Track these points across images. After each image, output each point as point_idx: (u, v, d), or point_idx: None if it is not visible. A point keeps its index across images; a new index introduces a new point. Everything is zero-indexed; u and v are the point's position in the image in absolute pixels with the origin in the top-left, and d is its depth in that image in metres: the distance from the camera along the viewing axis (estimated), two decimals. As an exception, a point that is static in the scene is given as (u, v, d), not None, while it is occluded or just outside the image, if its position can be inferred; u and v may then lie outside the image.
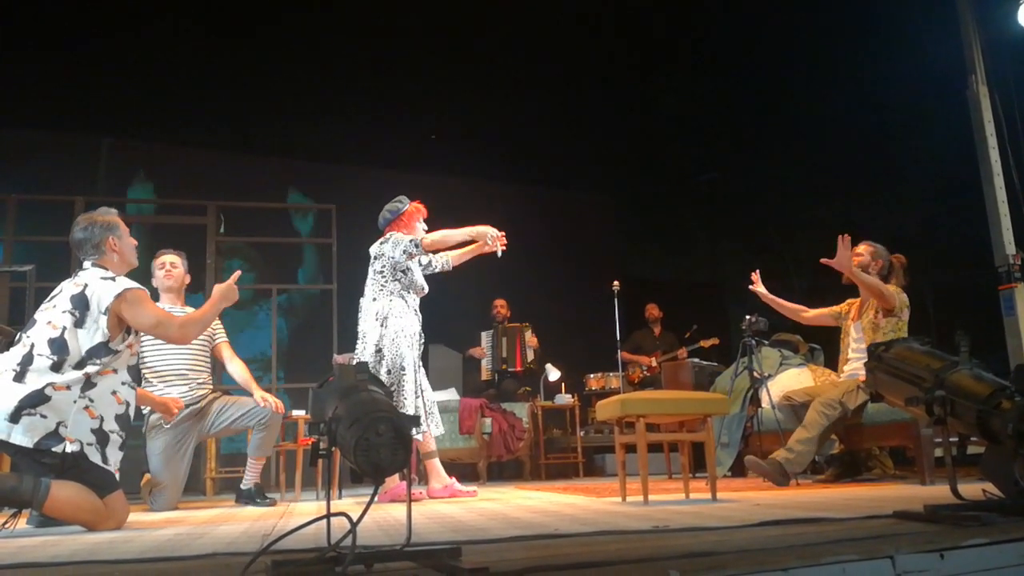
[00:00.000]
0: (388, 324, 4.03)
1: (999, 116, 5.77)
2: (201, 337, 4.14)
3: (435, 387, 4.67)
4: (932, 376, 2.12)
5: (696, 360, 6.19)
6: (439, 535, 2.11)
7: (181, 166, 7.58)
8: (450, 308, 5.98)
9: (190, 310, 4.06)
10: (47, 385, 2.72)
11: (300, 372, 7.26)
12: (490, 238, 4.09)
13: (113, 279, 2.92)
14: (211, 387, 4.28)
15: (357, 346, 4.16)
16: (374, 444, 1.44)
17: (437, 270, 4.41)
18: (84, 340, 2.80)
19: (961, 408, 2.03)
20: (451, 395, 6.37)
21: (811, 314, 4.55)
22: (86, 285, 2.88)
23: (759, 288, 4.65)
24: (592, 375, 7.44)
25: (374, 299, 4.12)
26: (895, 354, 2.33)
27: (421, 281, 4.25)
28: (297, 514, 3.30)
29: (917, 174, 7.15)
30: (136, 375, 3.06)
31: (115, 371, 2.87)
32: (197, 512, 3.68)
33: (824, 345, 5.63)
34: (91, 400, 2.78)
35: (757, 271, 4.68)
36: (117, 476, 2.85)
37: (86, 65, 6.39)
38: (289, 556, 1.47)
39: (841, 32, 6.92)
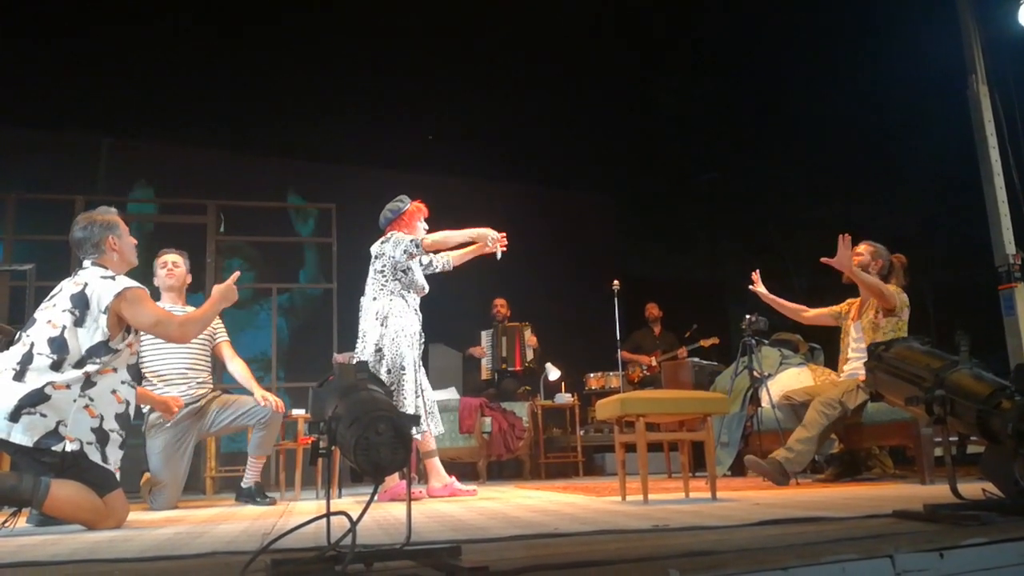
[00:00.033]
0: (388, 323, 4.04)
1: (999, 116, 5.78)
2: (201, 336, 4.14)
3: (435, 386, 4.67)
4: (932, 376, 2.12)
5: (696, 359, 6.19)
6: (439, 534, 2.11)
7: (181, 165, 7.57)
8: (450, 307, 5.98)
9: (191, 309, 4.06)
10: (47, 384, 2.72)
11: (300, 371, 7.26)
12: (490, 240, 4.10)
13: (113, 278, 2.92)
14: (211, 386, 4.28)
15: (357, 345, 4.16)
16: (374, 443, 1.44)
17: (438, 270, 4.42)
18: (84, 339, 2.80)
19: (961, 408, 2.03)
20: (451, 394, 6.37)
21: (811, 314, 4.56)
22: (86, 284, 2.88)
23: (759, 288, 4.65)
24: (592, 374, 7.44)
25: (374, 298, 4.13)
26: (895, 354, 2.33)
27: (422, 281, 4.25)
28: (297, 513, 3.30)
29: (917, 174, 7.15)
30: (136, 374, 3.06)
31: (115, 370, 2.87)
32: (197, 511, 3.68)
33: (824, 345, 5.63)
34: (91, 399, 2.78)
35: (757, 271, 4.68)
36: (117, 475, 2.85)
37: (86, 64, 6.39)
38: (289, 555, 1.47)
39: (841, 32, 6.92)
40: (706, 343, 7.35)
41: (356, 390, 1.60)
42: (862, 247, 4.30)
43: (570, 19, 6.92)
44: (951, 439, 2.15)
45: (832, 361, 4.85)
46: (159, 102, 6.91)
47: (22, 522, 3.01)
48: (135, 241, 3.17)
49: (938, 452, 3.72)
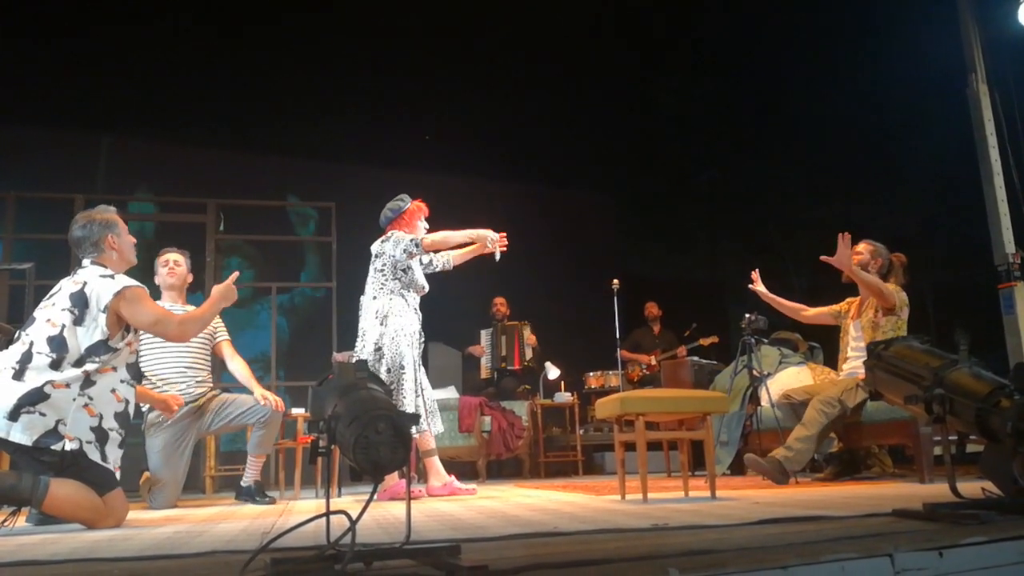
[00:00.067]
0: (388, 323, 4.04)
1: (999, 115, 5.78)
2: (201, 335, 4.14)
3: (434, 385, 4.67)
4: (931, 374, 2.12)
5: (695, 358, 6.20)
6: (438, 533, 2.11)
7: (181, 164, 7.57)
8: (450, 306, 5.99)
9: (191, 308, 4.06)
10: (46, 383, 2.71)
11: (300, 370, 7.27)
12: (490, 241, 4.11)
13: (112, 277, 2.92)
14: (210, 385, 4.28)
15: (357, 344, 4.16)
16: (373, 442, 1.44)
17: (438, 269, 4.42)
18: (83, 338, 2.80)
19: (960, 406, 2.03)
20: (450, 393, 6.38)
21: (811, 313, 4.56)
22: (85, 283, 2.88)
23: (759, 287, 4.65)
24: (591, 373, 7.44)
25: (374, 297, 4.13)
26: (894, 352, 2.33)
27: (422, 280, 4.25)
28: (296, 512, 3.30)
29: (917, 174, 7.15)
30: (136, 373, 3.06)
31: (114, 369, 2.87)
32: (196, 510, 3.68)
33: (823, 343, 5.63)
34: (90, 398, 2.78)
35: (757, 270, 4.68)
36: (117, 474, 2.85)
37: (86, 63, 6.39)
38: (288, 554, 1.47)
39: (841, 32, 6.92)
40: (705, 342, 7.35)
41: (356, 389, 1.60)
42: (862, 246, 4.30)
43: (570, 19, 6.92)
44: (950, 438, 2.15)
45: (832, 360, 4.85)
46: (159, 101, 6.91)
47: (21, 521, 3.01)
48: (134, 240, 3.17)
49: (937, 451, 3.72)
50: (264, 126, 7.41)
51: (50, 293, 2.96)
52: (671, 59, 7.79)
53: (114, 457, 2.84)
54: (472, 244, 4.26)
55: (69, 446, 2.70)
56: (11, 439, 2.66)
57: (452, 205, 5.33)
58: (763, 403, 4.68)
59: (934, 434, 3.66)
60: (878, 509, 2.12)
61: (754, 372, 4.74)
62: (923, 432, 3.71)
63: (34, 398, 2.68)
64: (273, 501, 4.14)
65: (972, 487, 2.14)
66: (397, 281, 4.13)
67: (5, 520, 2.85)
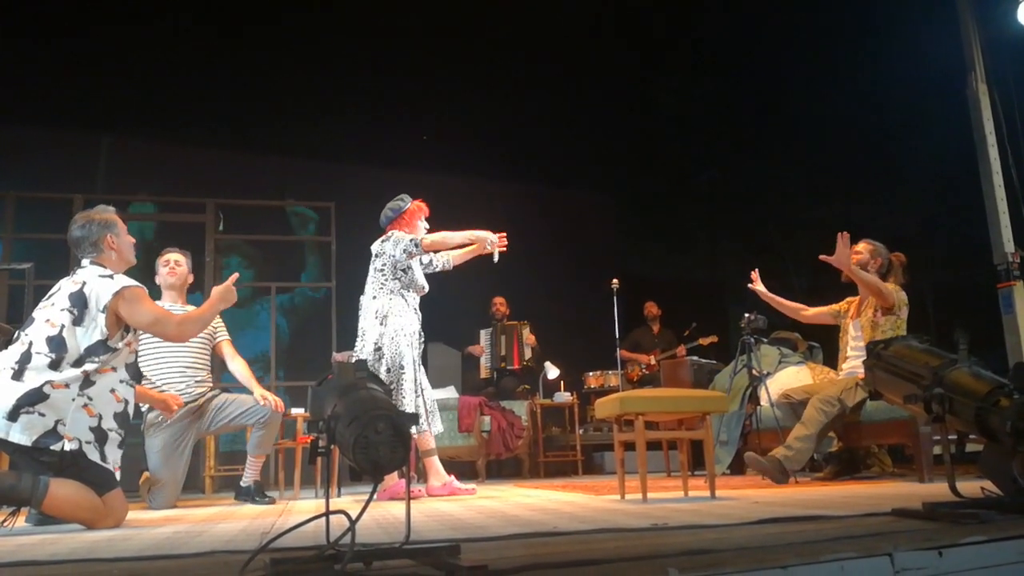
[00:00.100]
0: (388, 322, 4.04)
1: (998, 114, 5.78)
2: (201, 335, 4.14)
3: (434, 385, 4.67)
4: (931, 374, 2.12)
5: (695, 358, 6.20)
6: (438, 533, 2.11)
7: (180, 164, 7.57)
8: (449, 306, 5.99)
9: (191, 308, 4.07)
10: (45, 383, 2.71)
11: (299, 370, 7.27)
12: (489, 243, 4.12)
13: (111, 277, 2.92)
14: (210, 385, 4.28)
15: (356, 344, 4.16)
16: (373, 442, 1.44)
17: (438, 269, 4.43)
18: (82, 338, 2.80)
19: (960, 406, 2.03)
20: (450, 393, 6.38)
21: (810, 312, 4.56)
22: (84, 283, 2.87)
23: (758, 287, 4.65)
24: (591, 373, 7.44)
25: (374, 297, 4.13)
26: (894, 352, 2.33)
27: (422, 280, 4.26)
28: (296, 512, 3.30)
29: (917, 174, 7.15)
30: (135, 373, 3.05)
31: (114, 369, 2.87)
32: (196, 510, 3.68)
33: (823, 343, 5.63)
34: (90, 398, 2.78)
35: (756, 270, 4.68)
36: (117, 474, 2.85)
37: (86, 62, 6.39)
38: (288, 554, 1.47)
39: (841, 32, 6.92)
40: (705, 341, 7.35)
41: (355, 389, 1.60)
42: (861, 245, 4.30)
43: (570, 19, 6.92)
44: (950, 437, 2.15)
45: (831, 359, 4.85)
46: (159, 101, 6.91)
47: (21, 521, 3.01)
48: (133, 240, 3.17)
49: (937, 450, 3.73)
50: (264, 126, 7.42)
51: (49, 293, 2.96)
52: (671, 59, 7.79)
53: (113, 457, 2.83)
54: (471, 245, 4.26)
55: (68, 446, 2.69)
56: (10, 439, 2.65)
57: (452, 205, 5.33)
58: (762, 403, 4.69)
59: (933, 433, 3.66)
60: (877, 508, 2.12)
61: (753, 372, 4.74)
62: (922, 431, 3.71)
63: (33, 398, 2.68)
64: (272, 501, 4.13)
65: (971, 486, 2.14)
66: (397, 281, 4.13)
67: (5, 520, 2.85)
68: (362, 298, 4.21)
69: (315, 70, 7.11)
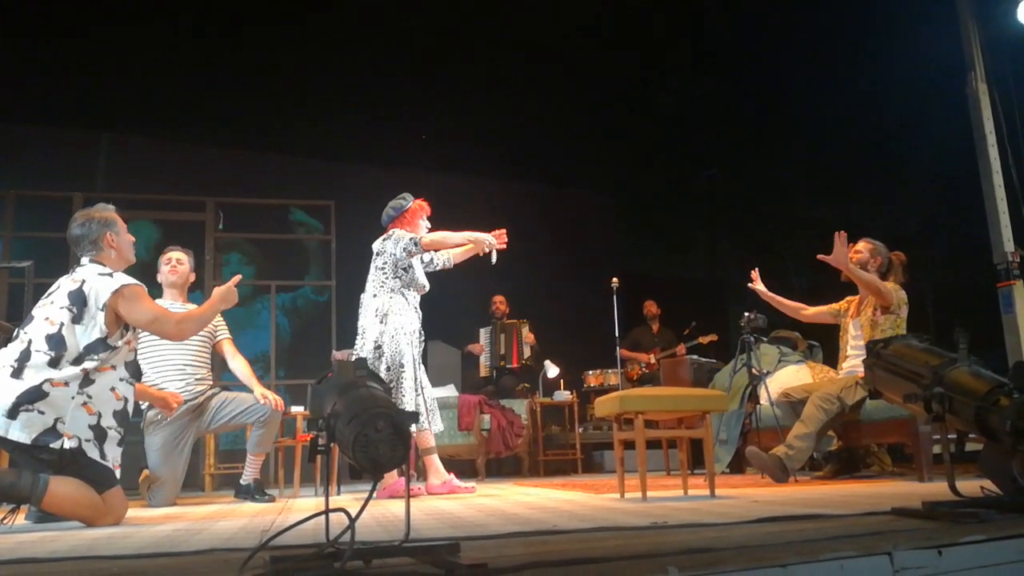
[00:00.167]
0: (388, 321, 4.04)
1: (998, 114, 5.78)
2: (202, 333, 4.14)
3: (434, 384, 4.67)
4: (930, 373, 2.12)
5: (695, 357, 6.20)
6: (438, 531, 2.11)
7: (180, 162, 7.57)
8: (449, 305, 5.99)
9: (192, 307, 4.07)
10: (45, 381, 2.71)
11: (299, 368, 7.27)
12: (487, 245, 4.12)
13: (111, 275, 2.92)
14: (210, 383, 4.28)
15: (356, 342, 4.16)
16: (373, 440, 1.44)
17: (439, 267, 4.44)
18: (82, 336, 2.80)
19: (959, 405, 2.03)
20: (450, 391, 6.38)
21: (810, 312, 4.56)
22: (84, 281, 2.88)
23: (758, 286, 4.65)
24: (591, 372, 7.44)
25: (375, 295, 4.13)
26: (893, 351, 2.33)
27: (422, 279, 4.26)
28: (296, 510, 3.30)
29: (917, 174, 7.15)
30: (135, 371, 3.05)
31: (113, 367, 2.87)
32: (195, 508, 3.68)
33: (823, 342, 5.63)
34: (89, 396, 2.78)
35: (756, 269, 4.68)
36: (117, 472, 2.85)
37: (85, 60, 6.38)
38: (287, 552, 1.47)
39: (841, 32, 6.91)
40: (704, 340, 7.35)
41: (355, 387, 1.60)
42: (861, 244, 4.31)
43: (570, 19, 6.91)
44: (949, 436, 2.15)
45: (831, 359, 4.85)
46: (158, 100, 6.91)
47: (21, 519, 3.01)
48: (133, 238, 3.17)
49: (936, 449, 3.73)
50: (264, 125, 7.42)
51: (49, 291, 2.96)
52: (671, 59, 7.78)
53: (113, 455, 2.83)
54: (470, 245, 4.27)
55: (68, 444, 2.69)
56: (10, 437, 2.66)
57: (452, 205, 5.33)
58: (762, 401, 4.69)
59: (933, 432, 3.66)
60: (877, 507, 2.12)
61: (753, 370, 4.74)
62: (922, 430, 3.72)
63: (33, 396, 2.68)
64: (272, 499, 4.14)
65: (971, 485, 2.14)
66: (398, 279, 4.13)
67: (4, 518, 2.85)
68: (362, 296, 4.22)
69: (315, 70, 7.11)
